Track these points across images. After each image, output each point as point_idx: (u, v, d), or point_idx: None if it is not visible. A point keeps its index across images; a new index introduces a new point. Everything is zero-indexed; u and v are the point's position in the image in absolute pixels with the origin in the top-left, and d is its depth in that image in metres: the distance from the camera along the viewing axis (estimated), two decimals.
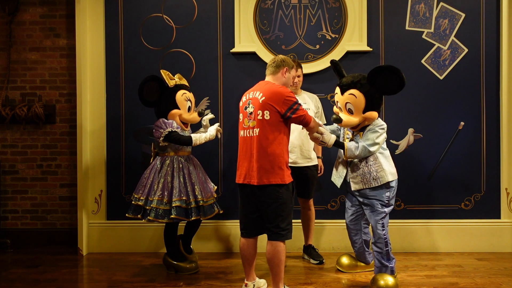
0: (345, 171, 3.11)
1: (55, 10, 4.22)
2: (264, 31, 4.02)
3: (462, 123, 4.00)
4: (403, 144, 4.01)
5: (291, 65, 2.93)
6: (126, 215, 3.37)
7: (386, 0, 4.00)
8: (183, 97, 3.35)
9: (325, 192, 4.00)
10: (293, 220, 2.86)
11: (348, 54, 3.97)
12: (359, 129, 3.05)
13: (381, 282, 2.95)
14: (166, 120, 3.29)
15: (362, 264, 3.41)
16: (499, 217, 4.00)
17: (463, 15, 3.98)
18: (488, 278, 3.27)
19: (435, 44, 4.00)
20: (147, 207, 3.26)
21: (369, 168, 2.99)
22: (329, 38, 4.01)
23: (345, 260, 3.43)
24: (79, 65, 3.95)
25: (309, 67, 3.95)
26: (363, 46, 3.96)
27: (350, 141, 3.07)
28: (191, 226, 3.48)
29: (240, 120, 2.89)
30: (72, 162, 4.20)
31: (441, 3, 3.99)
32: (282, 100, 2.72)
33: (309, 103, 3.63)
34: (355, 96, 2.95)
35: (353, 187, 3.06)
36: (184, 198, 3.23)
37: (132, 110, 4.04)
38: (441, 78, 4.00)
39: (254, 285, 2.93)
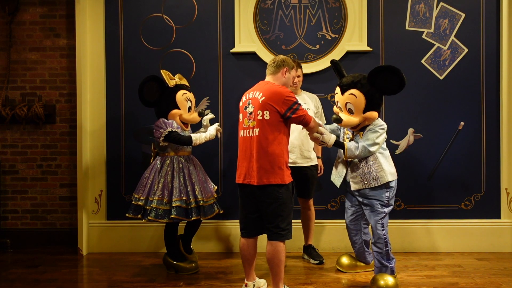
0: (344, 171, 3.11)
1: (55, 10, 4.22)
2: (264, 31, 4.02)
3: (462, 123, 4.00)
4: (403, 144, 4.01)
5: (291, 65, 2.93)
6: (126, 215, 3.37)
7: (386, 0, 4.00)
8: (183, 97, 3.35)
9: (325, 192, 4.00)
10: (293, 220, 2.86)
11: (348, 54, 3.97)
12: (359, 129, 3.05)
13: (381, 282, 2.95)
14: (166, 120, 3.29)
15: (362, 264, 3.41)
16: (499, 217, 4.00)
17: (463, 15, 3.98)
18: (488, 278, 3.27)
19: (435, 44, 4.00)
20: (147, 207, 3.26)
21: (369, 168, 2.99)
22: (329, 38, 4.01)
23: (345, 260, 3.43)
24: (79, 65, 3.95)
25: (309, 67, 3.95)
26: (363, 46, 3.96)
27: (350, 141, 3.07)
28: (191, 226, 3.48)
29: (240, 120, 2.89)
30: (72, 162, 4.20)
31: (441, 3, 3.99)
32: (282, 100, 2.72)
33: (309, 103, 3.63)
34: (355, 96, 2.95)
35: (353, 187, 3.06)
36: (184, 198, 3.23)
37: (132, 110, 4.04)
38: (441, 78, 4.00)
39: (254, 285, 2.93)
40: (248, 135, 2.80)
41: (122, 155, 4.06)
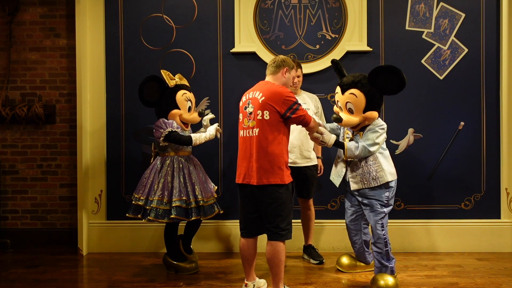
0: (344, 170, 3.11)
1: (55, 10, 4.22)
2: (264, 31, 4.02)
3: (462, 123, 4.00)
4: (403, 144, 4.01)
5: (292, 65, 2.93)
6: (127, 215, 3.37)
7: (386, 0, 4.00)
8: (184, 97, 3.35)
9: (325, 192, 4.00)
10: (293, 220, 2.86)
11: (348, 54, 3.97)
12: (359, 129, 3.05)
13: (381, 282, 2.95)
14: (166, 120, 3.29)
15: (362, 264, 3.41)
16: (499, 217, 4.00)
17: (463, 15, 3.98)
18: (488, 278, 3.27)
19: (435, 44, 4.00)
20: (147, 207, 3.26)
21: (369, 168, 2.99)
22: (329, 38, 4.01)
23: (345, 260, 3.43)
24: (79, 65, 3.95)
25: (309, 67, 3.95)
26: (363, 46, 3.96)
27: (350, 140, 3.07)
28: (191, 226, 3.48)
29: (240, 120, 2.89)
30: (72, 162, 4.20)
31: (441, 3, 3.99)
32: (282, 100, 2.72)
33: (309, 103, 3.63)
34: (355, 95, 2.95)
35: (353, 186, 3.06)
36: (184, 198, 3.23)
37: (132, 110, 4.04)
38: (441, 78, 4.00)
39: (254, 285, 2.93)
40: (248, 135, 2.80)
41: (122, 155, 4.06)
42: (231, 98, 3.98)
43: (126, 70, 4.05)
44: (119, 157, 4.06)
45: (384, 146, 3.08)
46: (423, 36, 4.00)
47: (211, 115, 3.58)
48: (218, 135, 3.47)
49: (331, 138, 2.93)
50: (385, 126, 3.02)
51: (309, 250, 3.73)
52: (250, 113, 2.79)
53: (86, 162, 4.00)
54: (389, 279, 2.96)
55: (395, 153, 3.96)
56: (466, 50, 3.99)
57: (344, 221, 3.32)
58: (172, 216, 3.19)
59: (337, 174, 3.18)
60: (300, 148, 3.56)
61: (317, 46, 4.02)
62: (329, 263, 3.63)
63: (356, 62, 3.97)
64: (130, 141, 4.06)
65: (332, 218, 4.01)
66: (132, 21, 4.05)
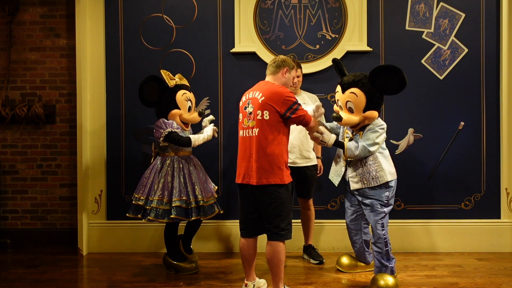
0: (343, 170, 3.11)
1: (55, 10, 4.22)
2: (264, 31, 4.02)
3: (462, 123, 4.00)
4: (403, 144, 4.01)
5: (292, 65, 2.93)
6: (127, 215, 3.37)
7: (386, 0, 4.00)
8: (183, 97, 3.35)
9: (325, 192, 4.00)
10: (293, 220, 2.86)
11: (348, 54, 3.97)
12: (359, 129, 3.05)
13: (381, 282, 2.95)
14: (166, 121, 3.29)
15: (362, 264, 3.41)
16: (499, 217, 4.00)
17: (463, 15, 3.98)
18: (488, 278, 3.27)
19: (435, 44, 4.00)
20: (147, 207, 3.26)
21: (369, 168, 2.99)
22: (329, 38, 4.01)
23: (345, 260, 3.43)
24: (79, 65, 3.95)
25: (309, 67, 3.95)
26: (363, 46, 3.96)
27: (350, 140, 3.07)
28: (191, 226, 3.48)
29: (240, 120, 2.89)
30: (72, 162, 4.20)
31: (441, 3, 3.99)
32: (282, 100, 2.72)
33: (309, 103, 3.62)
34: (356, 95, 2.95)
35: (352, 186, 3.06)
36: (184, 198, 3.23)
37: (132, 110, 4.04)
38: (441, 78, 4.00)
39: (254, 285, 2.93)
40: (247, 135, 2.80)
41: (122, 155, 4.06)
42: (231, 98, 3.98)
43: (126, 70, 4.05)
44: (119, 157, 4.06)
45: (384, 146, 3.08)
46: (423, 36, 4.00)
47: (211, 117, 3.57)
48: (216, 135, 3.48)
49: (331, 138, 2.94)
50: (385, 126, 3.02)
51: (309, 250, 3.73)
52: (250, 113, 2.79)
53: (86, 162, 4.00)
54: (389, 279, 2.96)
55: (395, 153, 3.96)
56: (466, 50, 3.99)
57: (344, 221, 3.32)
58: (172, 216, 3.19)
59: (336, 174, 3.18)
60: (299, 148, 3.56)
61: (317, 46, 4.02)
62: (329, 263, 3.63)
63: (356, 62, 3.97)
64: (130, 141, 4.06)
65: (332, 218, 4.01)
66: (132, 21, 4.05)
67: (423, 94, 3.99)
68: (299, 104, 2.78)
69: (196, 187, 3.29)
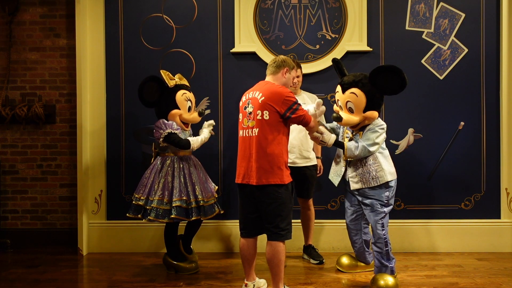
0: (343, 169, 3.11)
1: (55, 10, 4.22)
2: (264, 31, 4.02)
3: (462, 123, 4.00)
4: (403, 144, 4.01)
5: (292, 65, 2.93)
6: (127, 215, 3.37)
7: (386, 0, 4.00)
8: (183, 97, 3.35)
9: (325, 192, 4.00)
10: (292, 220, 2.86)
11: (348, 54, 3.97)
12: (359, 129, 3.05)
13: (381, 282, 2.95)
14: (166, 121, 3.29)
15: (362, 264, 3.41)
16: (499, 217, 4.00)
17: (463, 15, 3.98)
18: (488, 278, 3.27)
19: (435, 44, 4.00)
20: (147, 207, 3.26)
21: (368, 168, 2.99)
22: (329, 38, 4.01)
23: (345, 260, 3.43)
24: (79, 65, 3.95)
25: (309, 67, 3.95)
26: (363, 46, 3.96)
27: (349, 140, 3.07)
28: (191, 226, 3.48)
29: (240, 120, 2.89)
30: (72, 162, 4.20)
31: (441, 3, 3.99)
32: (282, 100, 2.72)
33: (309, 103, 3.62)
34: (356, 95, 2.95)
35: (352, 186, 3.06)
36: (184, 198, 3.23)
37: (132, 110, 4.04)
38: (441, 78, 4.00)
39: (254, 285, 2.93)
40: (247, 135, 2.80)
41: (122, 155, 4.06)
42: (231, 98, 3.98)
43: (126, 70, 4.05)
44: (119, 157, 4.06)
45: (384, 146, 3.08)
46: (423, 36, 4.00)
47: (211, 121, 3.54)
48: (212, 132, 3.51)
49: (331, 138, 2.94)
50: (385, 126, 3.02)
51: (309, 250, 3.74)
52: (250, 113, 2.79)
53: (86, 162, 4.00)
54: (389, 279, 2.96)
55: (395, 153, 3.96)
56: (466, 50, 3.99)
57: (344, 221, 3.32)
58: (172, 216, 3.19)
59: (336, 174, 3.18)
60: (299, 148, 3.56)
61: (317, 46, 4.02)
62: (329, 263, 3.63)
63: (356, 62, 3.97)
64: (130, 141, 4.06)
65: (332, 218, 4.01)
66: (132, 21, 4.05)
67: (423, 94, 3.99)
68: (299, 104, 2.78)
69: (196, 187, 3.29)
